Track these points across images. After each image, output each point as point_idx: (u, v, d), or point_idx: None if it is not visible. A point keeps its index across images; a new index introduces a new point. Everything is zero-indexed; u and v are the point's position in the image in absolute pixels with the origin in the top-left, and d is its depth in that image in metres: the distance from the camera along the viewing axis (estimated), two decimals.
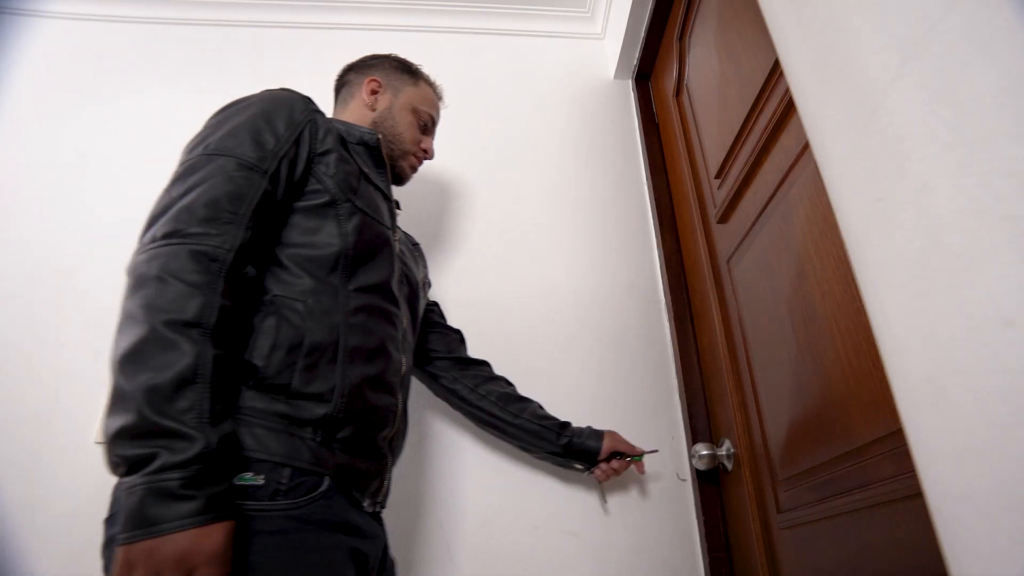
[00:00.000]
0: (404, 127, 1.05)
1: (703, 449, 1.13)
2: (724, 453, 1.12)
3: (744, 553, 1.05)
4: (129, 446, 0.56)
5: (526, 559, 1.13)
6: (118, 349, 0.60)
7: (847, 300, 0.75)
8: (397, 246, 0.93)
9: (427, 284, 1.12)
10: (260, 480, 0.63)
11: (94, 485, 1.12)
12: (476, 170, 1.53)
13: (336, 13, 1.77)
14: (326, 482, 0.69)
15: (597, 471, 1.10)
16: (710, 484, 1.17)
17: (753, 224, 1.04)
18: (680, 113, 1.42)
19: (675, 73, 1.43)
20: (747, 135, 1.05)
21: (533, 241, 1.45)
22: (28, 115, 1.54)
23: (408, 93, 1.07)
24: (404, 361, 0.87)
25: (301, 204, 0.79)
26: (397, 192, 1.04)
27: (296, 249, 0.77)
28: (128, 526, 0.54)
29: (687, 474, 1.22)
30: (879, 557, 0.70)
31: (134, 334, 0.60)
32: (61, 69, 1.62)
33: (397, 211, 0.99)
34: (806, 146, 0.85)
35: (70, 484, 1.12)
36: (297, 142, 0.80)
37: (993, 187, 0.34)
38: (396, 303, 0.87)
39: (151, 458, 0.55)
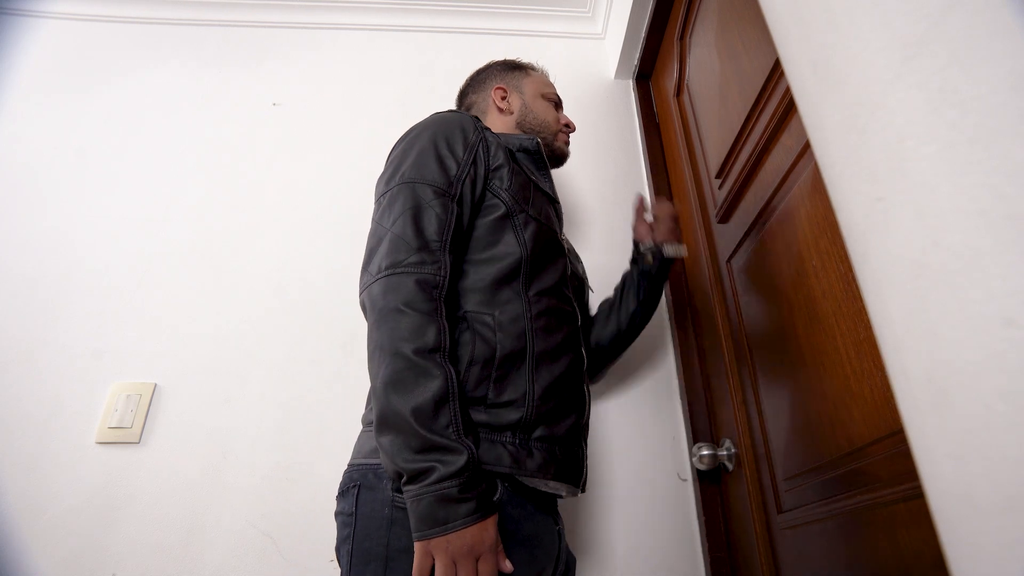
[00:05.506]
0: (543, 113, 1.12)
1: (704, 449, 1.13)
2: (725, 453, 1.12)
3: (745, 553, 1.05)
4: (408, 461, 0.64)
5: None
6: (379, 377, 0.68)
7: (847, 300, 0.75)
8: (565, 245, 0.98)
9: (587, 278, 1.14)
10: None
11: (94, 485, 1.12)
12: None
13: (336, 13, 1.77)
14: (500, 491, 0.72)
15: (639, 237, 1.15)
16: (711, 484, 1.17)
17: (753, 224, 1.04)
18: (681, 113, 1.42)
19: (676, 73, 1.43)
20: (748, 135, 1.05)
21: None
22: (28, 115, 1.54)
23: (529, 84, 1.15)
24: (584, 355, 0.91)
25: (481, 219, 0.85)
26: None
27: (480, 262, 0.83)
28: (423, 525, 0.63)
29: (688, 474, 1.22)
30: (880, 557, 0.70)
31: (391, 363, 0.68)
32: (61, 69, 1.62)
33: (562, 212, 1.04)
34: (806, 146, 0.85)
35: (70, 484, 1.12)
36: (474, 162, 0.86)
37: (994, 187, 0.34)
38: (570, 302, 0.92)
39: (430, 471, 0.63)
